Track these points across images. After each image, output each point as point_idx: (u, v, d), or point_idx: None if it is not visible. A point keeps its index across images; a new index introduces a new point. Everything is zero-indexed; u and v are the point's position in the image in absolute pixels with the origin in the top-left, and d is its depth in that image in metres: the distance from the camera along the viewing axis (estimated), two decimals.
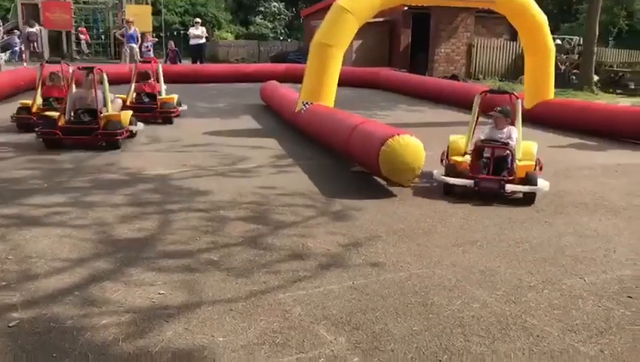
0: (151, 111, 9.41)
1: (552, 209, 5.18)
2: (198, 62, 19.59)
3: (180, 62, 20.37)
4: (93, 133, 7.13)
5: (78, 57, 24.83)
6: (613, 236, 4.51)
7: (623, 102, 13.81)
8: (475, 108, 6.12)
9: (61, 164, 6.45)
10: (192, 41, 19.69)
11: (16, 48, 21.14)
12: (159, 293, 3.30)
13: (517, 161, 5.58)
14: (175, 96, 9.99)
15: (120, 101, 8.56)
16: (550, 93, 10.24)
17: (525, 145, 5.94)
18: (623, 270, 3.85)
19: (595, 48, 17.00)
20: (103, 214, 4.69)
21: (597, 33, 16.69)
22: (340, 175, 6.29)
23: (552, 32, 10.69)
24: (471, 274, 3.72)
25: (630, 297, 3.44)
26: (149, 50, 19.11)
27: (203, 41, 19.85)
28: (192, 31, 19.95)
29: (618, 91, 17.09)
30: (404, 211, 5.01)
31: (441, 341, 2.88)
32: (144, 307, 3.14)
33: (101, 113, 7.33)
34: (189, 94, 13.58)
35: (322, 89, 8.14)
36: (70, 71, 8.26)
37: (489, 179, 5.42)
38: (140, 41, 18.84)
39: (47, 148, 7.06)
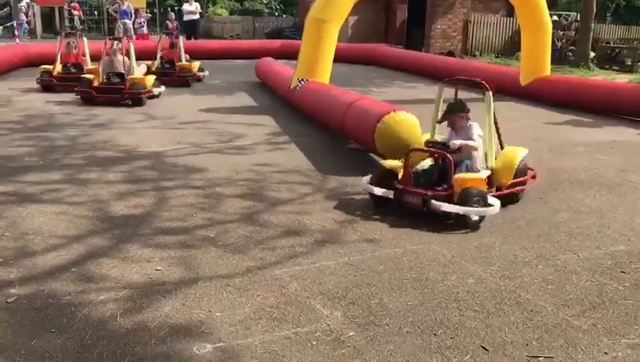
0: (170, 75, 10.99)
1: (546, 185, 5.20)
2: (193, 39, 19.40)
3: (178, 38, 20.15)
4: (120, 92, 8.71)
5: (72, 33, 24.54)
6: (607, 212, 4.54)
7: (620, 79, 13.79)
8: (439, 100, 4.83)
9: (56, 141, 6.42)
10: (186, 17, 19.47)
11: (24, 24, 20.87)
12: (156, 269, 3.32)
13: (463, 171, 4.37)
14: (197, 63, 11.86)
15: (144, 67, 10.36)
16: (546, 69, 10.21)
17: (509, 151, 4.76)
18: (617, 245, 3.88)
19: (593, 24, 16.89)
20: (98, 191, 4.69)
21: (594, 9, 16.57)
22: (336, 152, 6.29)
23: (550, 8, 10.60)
24: (466, 249, 3.75)
25: (623, 272, 3.47)
26: (142, 27, 18.91)
27: (197, 17, 19.63)
28: (185, 7, 19.71)
29: (615, 68, 17.04)
30: None
31: (436, 315, 2.91)
32: (141, 283, 3.15)
33: (128, 76, 8.90)
34: None
35: (317, 65, 8.08)
36: (85, 42, 10.53)
37: (411, 193, 4.25)
38: (133, 17, 18.62)
39: (84, 103, 8.69)
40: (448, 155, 4.27)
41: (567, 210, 4.58)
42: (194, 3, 19.64)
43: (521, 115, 8.72)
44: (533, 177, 4.92)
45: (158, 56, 11.69)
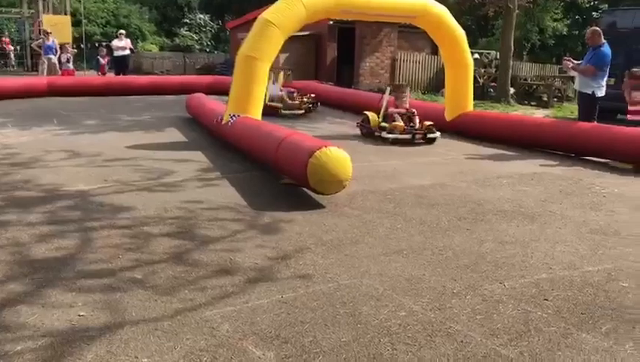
0: None
1: (472, 216, 5.38)
2: (122, 74, 19.08)
3: (105, 74, 19.78)
4: None
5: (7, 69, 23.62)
6: (530, 241, 4.73)
7: (538, 114, 14.59)
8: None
9: None
10: (116, 53, 19.17)
11: None
12: (79, 315, 3.16)
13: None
14: None
15: None
16: (470, 105, 10.66)
17: None
18: (540, 274, 4.04)
19: (511, 62, 17.87)
20: (17, 234, 4.45)
21: (512, 48, 17.58)
22: (269, 187, 6.27)
23: (471, 47, 11.14)
24: (397, 282, 3.79)
25: (546, 300, 3.61)
26: (69, 62, 18.43)
27: (127, 52, 19.37)
28: (115, 42, 19.41)
29: (532, 103, 18.03)
30: (333, 222, 5.05)
31: (369, 350, 2.91)
32: (63, 330, 2.99)
33: None
34: (112, 107, 13.21)
35: (249, 101, 8.11)
36: None
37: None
38: (58, 53, 18.13)
39: None
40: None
41: (492, 240, 4.73)
42: (124, 39, 19.39)
43: (446, 149, 9.03)
44: None
45: None
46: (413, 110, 9.85)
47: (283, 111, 12.05)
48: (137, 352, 2.81)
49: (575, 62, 9.43)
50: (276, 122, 8.60)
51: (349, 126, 10.83)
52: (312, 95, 13.30)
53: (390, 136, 9.18)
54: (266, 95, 10.95)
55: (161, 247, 4.26)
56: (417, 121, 9.62)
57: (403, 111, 9.80)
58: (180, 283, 3.65)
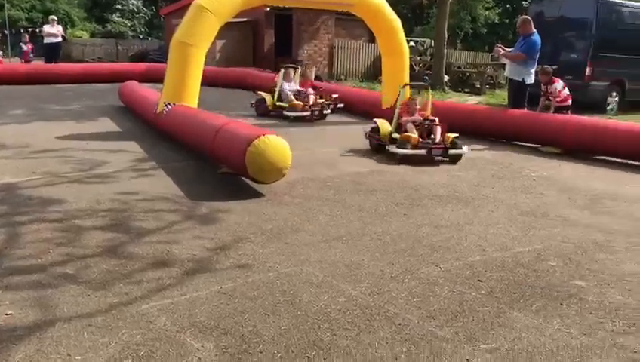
0: None
1: (409, 202, 5.48)
2: (53, 63, 18.25)
3: (29, 62, 18.89)
4: None
5: None
6: (464, 225, 4.86)
7: (471, 100, 14.99)
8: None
9: None
10: (47, 40, 18.30)
11: None
12: (6, 314, 3.02)
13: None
14: None
15: None
16: (406, 92, 10.80)
17: None
18: (474, 256, 4.16)
19: (445, 50, 18.25)
20: None
21: (446, 36, 17.94)
22: (206, 177, 6.17)
23: (406, 35, 11.31)
24: (337, 269, 3.82)
25: (480, 281, 3.72)
26: None
27: (59, 39, 18.52)
28: (46, 28, 18.52)
29: (466, 90, 18.50)
30: (272, 211, 5.02)
31: (310, 337, 2.92)
32: None
33: None
34: (40, 96, 12.64)
35: (184, 89, 7.93)
36: None
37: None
38: None
39: None
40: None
41: (428, 224, 4.84)
42: (55, 25, 18.54)
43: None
44: None
45: None
46: (434, 118, 7.68)
47: (286, 113, 10.46)
48: (70, 350, 2.72)
49: (506, 49, 9.72)
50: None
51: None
52: (335, 95, 11.60)
53: (399, 151, 7.15)
54: (274, 94, 10.95)
55: (94, 241, 4.12)
56: (439, 132, 7.45)
57: (420, 119, 7.68)
58: (114, 276, 3.54)
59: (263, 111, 10.87)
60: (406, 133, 7.32)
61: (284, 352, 2.77)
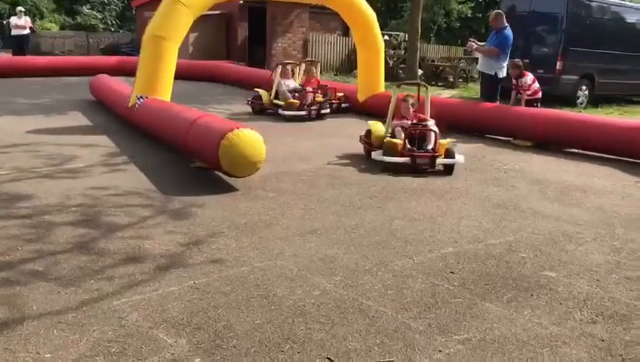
0: None
1: (384, 195, 5.50)
2: (21, 56, 17.84)
3: None
4: None
5: None
6: (437, 217, 4.90)
7: (445, 94, 15.09)
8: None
9: None
10: (15, 32, 17.88)
11: None
12: None
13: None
14: None
15: None
16: (381, 86, 10.85)
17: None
18: (446, 248, 4.20)
19: (419, 44, 18.34)
20: None
21: (419, 30, 18.02)
22: (179, 171, 6.11)
23: (381, 29, 11.32)
24: (311, 262, 3.82)
25: (452, 272, 3.76)
26: None
27: (27, 32, 18.11)
28: (13, 20, 18.10)
29: (440, 84, 18.63)
30: (246, 205, 5.00)
31: (284, 331, 2.92)
32: None
33: None
34: (5, 89, 12.36)
35: (157, 83, 7.83)
36: None
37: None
38: None
39: None
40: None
41: (402, 217, 4.87)
42: (23, 17, 18.12)
43: (357, 130, 9.12)
44: None
45: None
46: (427, 121, 6.82)
47: (281, 112, 9.87)
48: (39, 347, 2.67)
49: (479, 43, 9.81)
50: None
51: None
52: (341, 94, 10.99)
53: (383, 159, 6.44)
54: (272, 91, 10.36)
55: (64, 237, 4.05)
56: (433, 138, 6.56)
57: (408, 123, 6.81)
58: (85, 273, 3.49)
59: (258, 108, 10.47)
60: (391, 139, 6.66)
61: (257, 347, 2.77)
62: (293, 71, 11.12)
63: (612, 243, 4.44)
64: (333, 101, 10.73)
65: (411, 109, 7.04)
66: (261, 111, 10.40)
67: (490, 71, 9.42)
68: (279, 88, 10.31)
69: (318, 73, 11.78)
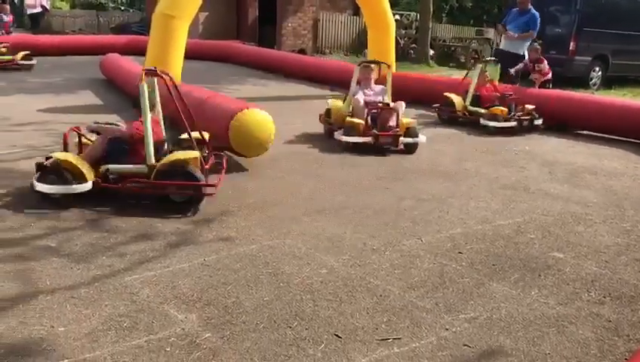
0: None
1: (392, 176, 5.51)
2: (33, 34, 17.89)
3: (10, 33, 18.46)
4: None
5: None
6: (446, 198, 4.91)
7: (456, 75, 14.97)
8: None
9: None
10: (29, 11, 17.94)
11: None
12: None
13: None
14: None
15: None
16: (392, 66, 10.75)
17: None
18: (455, 228, 4.21)
19: (430, 24, 18.17)
20: None
21: (431, 9, 17.85)
22: None
23: (392, 7, 11.21)
24: (319, 241, 3.85)
25: (460, 253, 3.78)
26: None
27: (39, 10, 18.13)
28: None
29: (451, 64, 18.48)
30: (256, 185, 5.03)
31: (292, 308, 2.96)
32: None
33: None
34: (20, 68, 12.39)
35: (167, 62, 7.78)
36: None
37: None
38: None
39: None
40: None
41: (411, 198, 4.88)
42: None
43: None
44: None
45: None
46: (390, 103, 6.61)
47: (485, 123, 7.78)
48: (53, 321, 2.73)
49: (511, 33, 9.80)
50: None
51: (272, 87, 10.69)
52: (530, 106, 7.98)
53: (343, 138, 6.35)
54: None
55: (76, 214, 4.10)
56: (394, 117, 6.42)
57: (364, 97, 6.73)
58: (97, 249, 3.54)
59: (448, 116, 8.50)
60: (351, 119, 6.44)
61: (266, 322, 2.81)
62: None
63: (622, 225, 4.44)
64: (525, 117, 7.97)
65: (372, 77, 7.16)
66: (452, 118, 8.42)
67: (519, 51, 9.69)
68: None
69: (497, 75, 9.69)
